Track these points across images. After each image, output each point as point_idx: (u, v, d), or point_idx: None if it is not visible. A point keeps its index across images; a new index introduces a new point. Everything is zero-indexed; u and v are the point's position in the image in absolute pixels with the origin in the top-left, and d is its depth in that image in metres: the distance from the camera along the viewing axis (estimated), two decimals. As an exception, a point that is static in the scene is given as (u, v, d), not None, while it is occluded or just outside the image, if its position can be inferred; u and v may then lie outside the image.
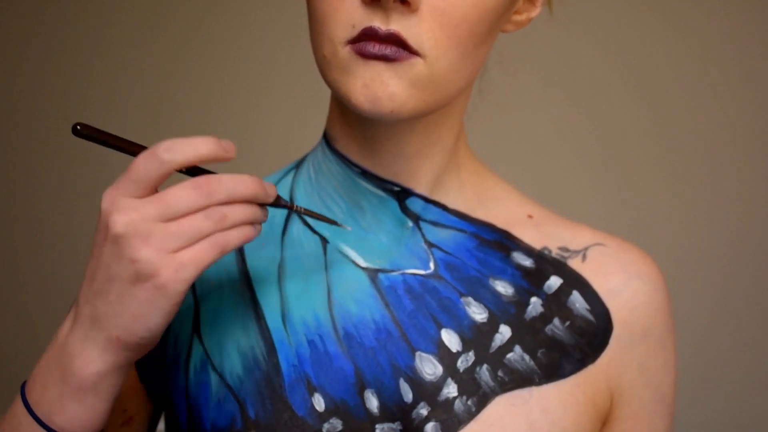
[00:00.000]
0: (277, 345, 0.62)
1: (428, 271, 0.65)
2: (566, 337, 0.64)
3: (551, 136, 1.87)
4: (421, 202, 0.65)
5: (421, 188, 0.65)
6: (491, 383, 0.62)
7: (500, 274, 0.65)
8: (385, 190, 0.65)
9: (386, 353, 0.62)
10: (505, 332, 0.63)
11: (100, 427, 0.56)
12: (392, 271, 0.64)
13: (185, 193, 0.51)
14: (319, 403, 0.60)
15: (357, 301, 0.63)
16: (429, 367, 0.62)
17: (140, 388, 0.67)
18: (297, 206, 0.60)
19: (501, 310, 0.64)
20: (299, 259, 0.65)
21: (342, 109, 0.64)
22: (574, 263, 0.67)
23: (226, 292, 0.65)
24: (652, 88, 1.83)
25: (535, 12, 0.64)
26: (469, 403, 0.61)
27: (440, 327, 0.63)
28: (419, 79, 0.56)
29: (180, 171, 0.53)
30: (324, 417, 0.60)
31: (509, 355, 0.63)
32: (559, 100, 1.86)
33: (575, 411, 0.62)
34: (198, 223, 0.51)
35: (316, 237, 0.66)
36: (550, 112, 1.86)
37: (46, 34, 2.05)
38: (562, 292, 0.65)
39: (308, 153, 0.70)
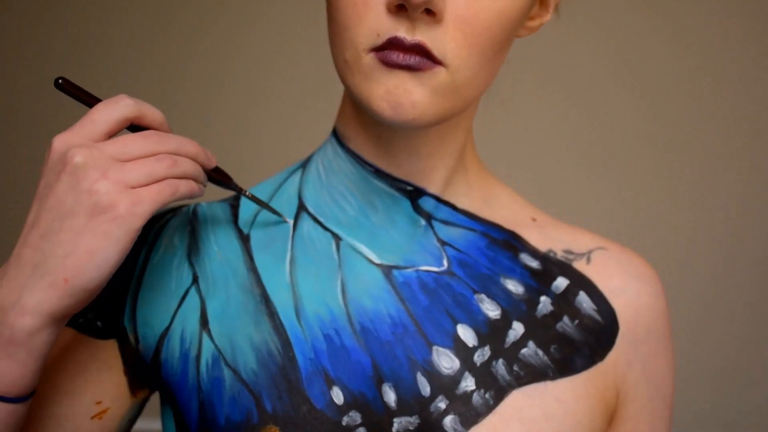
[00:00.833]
0: (292, 339, 0.62)
1: (442, 268, 0.65)
2: (576, 334, 0.65)
3: (550, 136, 1.88)
4: (433, 202, 0.66)
5: (433, 188, 0.66)
6: (507, 377, 0.62)
7: (510, 273, 0.67)
8: (397, 189, 0.65)
9: (403, 347, 0.62)
10: (518, 328, 0.64)
11: (28, 387, 0.54)
12: (406, 267, 0.65)
13: (139, 138, 0.54)
14: (338, 396, 0.60)
15: (372, 296, 0.64)
16: (446, 361, 0.62)
17: (122, 381, 0.65)
18: (242, 189, 0.63)
19: (513, 307, 0.65)
20: (311, 256, 0.65)
21: (357, 109, 0.65)
22: (579, 265, 0.69)
23: (233, 290, 0.65)
24: (652, 89, 1.85)
25: (547, 17, 0.66)
26: (486, 396, 0.61)
27: (456, 322, 0.63)
28: (442, 87, 0.56)
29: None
30: (343, 410, 0.59)
31: (523, 351, 0.64)
32: (558, 101, 1.87)
33: (588, 404, 0.64)
34: (152, 164, 0.54)
35: (328, 234, 0.66)
36: (549, 112, 1.87)
37: (45, 34, 2.05)
38: (570, 293, 0.67)
39: (314, 152, 0.70)
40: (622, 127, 1.87)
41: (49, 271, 0.51)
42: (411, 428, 0.60)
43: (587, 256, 0.69)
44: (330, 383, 0.60)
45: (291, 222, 0.67)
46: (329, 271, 0.65)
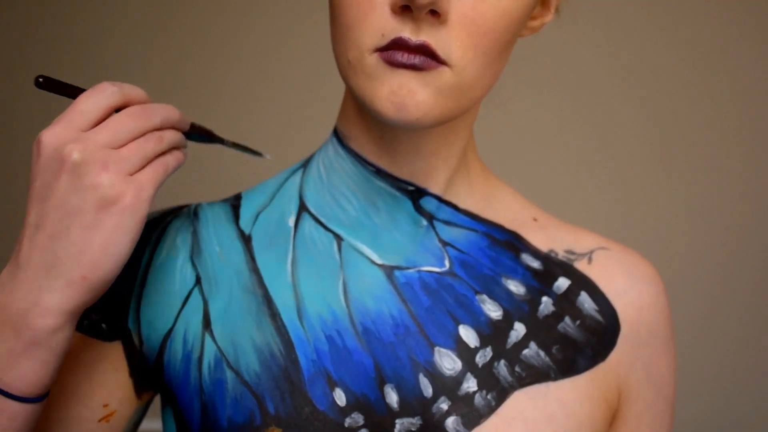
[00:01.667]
0: (294, 340, 0.62)
1: (443, 269, 0.65)
2: (578, 335, 0.65)
3: (550, 137, 1.88)
4: (435, 202, 0.66)
5: (435, 188, 0.66)
6: (509, 378, 0.62)
7: (512, 274, 0.66)
8: (399, 189, 0.65)
9: (405, 348, 0.62)
10: (519, 329, 0.64)
11: (48, 386, 0.55)
12: (408, 268, 0.65)
13: (126, 120, 0.54)
14: (340, 397, 0.60)
15: (374, 296, 0.64)
16: (448, 362, 0.62)
17: (128, 383, 0.65)
18: (223, 138, 0.63)
19: (515, 308, 0.65)
20: (312, 257, 0.65)
21: (359, 108, 0.65)
22: (581, 266, 0.68)
23: (235, 291, 0.65)
24: (652, 89, 1.85)
25: (549, 17, 0.66)
26: (489, 397, 0.61)
27: (457, 323, 0.63)
28: (446, 88, 0.56)
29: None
30: (346, 411, 0.59)
31: (525, 351, 0.64)
32: (558, 101, 1.87)
33: (590, 405, 0.64)
34: (143, 145, 0.54)
35: (330, 235, 0.66)
36: (548, 113, 1.87)
37: (45, 34, 2.04)
38: (571, 293, 0.67)
39: (315, 152, 0.70)
40: (621, 127, 1.87)
41: (65, 271, 0.52)
42: (413, 429, 0.60)
43: (589, 256, 0.69)
44: (332, 384, 0.60)
45: (292, 220, 0.67)
46: (331, 271, 0.64)
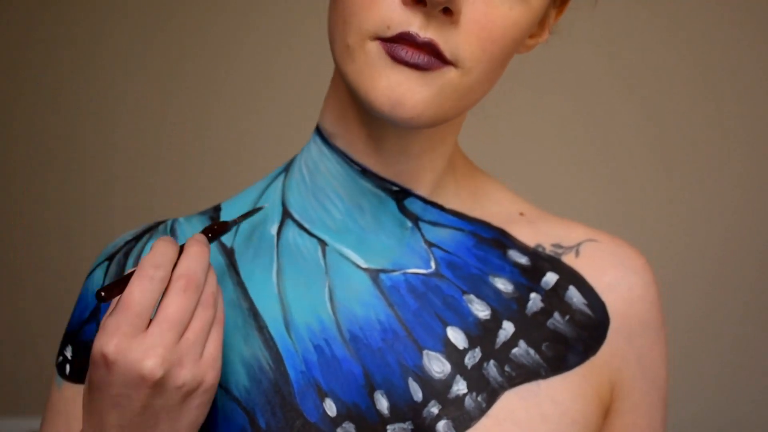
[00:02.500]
0: (282, 353, 0.61)
1: (430, 270, 0.65)
2: (567, 330, 0.65)
3: (549, 136, 1.88)
4: (420, 203, 0.65)
5: (421, 189, 0.65)
6: (499, 378, 0.62)
7: (499, 272, 0.66)
8: (384, 189, 0.64)
9: (394, 353, 0.62)
10: (508, 328, 0.64)
11: None
12: (393, 270, 0.64)
13: (180, 301, 0.53)
14: (330, 408, 0.60)
15: (360, 302, 0.63)
16: (437, 365, 0.62)
17: None
18: (235, 220, 0.62)
19: (503, 307, 0.64)
20: (297, 264, 0.65)
21: (344, 104, 0.63)
22: (568, 259, 0.68)
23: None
24: (651, 89, 1.84)
25: (544, 37, 0.65)
26: (479, 399, 0.61)
27: (445, 325, 0.63)
28: (448, 87, 0.56)
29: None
30: (337, 422, 0.59)
31: (514, 350, 0.63)
32: (557, 102, 1.87)
33: (583, 402, 0.63)
34: (203, 321, 0.54)
35: (314, 240, 0.65)
36: (548, 112, 1.87)
37: (45, 33, 2.04)
38: (560, 287, 0.66)
39: (297, 155, 0.69)
40: (622, 127, 1.87)
41: None
42: None
43: (576, 249, 0.68)
44: (322, 395, 0.60)
45: (275, 228, 0.66)
46: (317, 278, 0.64)
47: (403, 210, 0.65)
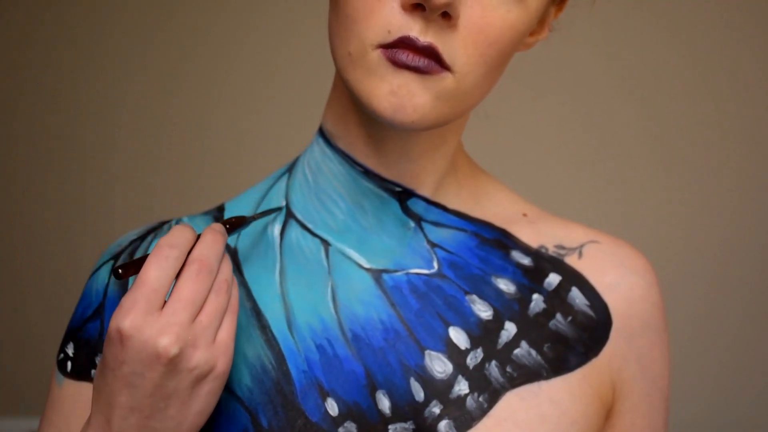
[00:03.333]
0: (285, 352, 0.62)
1: (432, 271, 0.65)
2: (569, 331, 0.65)
3: (549, 136, 1.88)
4: (423, 204, 0.66)
5: (424, 190, 0.66)
6: (501, 379, 0.62)
7: (502, 272, 0.66)
8: (386, 190, 0.65)
9: (395, 353, 0.62)
10: (510, 329, 0.64)
11: None
12: (396, 271, 0.65)
13: (193, 284, 0.54)
14: (332, 407, 0.60)
15: (363, 302, 0.63)
16: (439, 365, 0.62)
17: None
18: (252, 216, 0.63)
19: (505, 307, 0.65)
20: (300, 264, 0.65)
21: (347, 106, 0.64)
22: (571, 260, 0.68)
23: None
24: (651, 89, 1.84)
25: (544, 34, 0.65)
26: (480, 399, 0.61)
27: (447, 325, 0.63)
28: (445, 93, 0.56)
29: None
30: (338, 421, 0.59)
31: (516, 351, 0.63)
32: (556, 101, 1.87)
33: (583, 403, 0.63)
34: (216, 305, 0.55)
35: (317, 240, 0.65)
36: (547, 112, 1.87)
37: (45, 33, 2.05)
38: (562, 289, 0.66)
39: (300, 155, 0.69)
40: (621, 127, 1.87)
41: None
42: None
43: (579, 250, 0.68)
44: (324, 395, 0.60)
45: (278, 229, 0.67)
46: (319, 278, 0.64)
47: (406, 210, 0.65)
